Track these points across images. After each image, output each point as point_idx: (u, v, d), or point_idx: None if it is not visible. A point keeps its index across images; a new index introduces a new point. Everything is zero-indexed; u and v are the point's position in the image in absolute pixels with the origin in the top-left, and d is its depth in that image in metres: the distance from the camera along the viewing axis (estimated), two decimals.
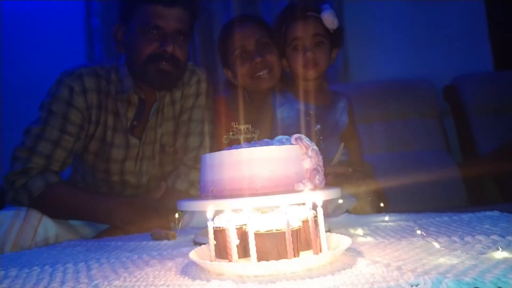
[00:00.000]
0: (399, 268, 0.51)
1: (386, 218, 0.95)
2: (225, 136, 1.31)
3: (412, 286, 0.45)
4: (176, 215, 0.95)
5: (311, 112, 1.38)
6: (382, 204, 1.08)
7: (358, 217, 1.05)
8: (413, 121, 2.26)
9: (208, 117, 1.37)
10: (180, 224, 0.97)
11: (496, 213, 0.90)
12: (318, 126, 1.36)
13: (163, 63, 1.22)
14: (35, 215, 1.10)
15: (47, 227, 1.09)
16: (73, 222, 1.21)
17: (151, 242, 0.91)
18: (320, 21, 1.37)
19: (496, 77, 2.45)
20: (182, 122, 1.37)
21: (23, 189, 1.20)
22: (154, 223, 1.10)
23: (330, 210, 1.11)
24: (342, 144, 1.28)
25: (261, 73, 1.39)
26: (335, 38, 1.41)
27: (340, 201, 1.11)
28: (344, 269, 0.54)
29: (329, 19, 1.36)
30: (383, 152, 2.17)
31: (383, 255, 0.60)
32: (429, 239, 0.66)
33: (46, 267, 0.72)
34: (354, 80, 2.39)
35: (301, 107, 1.37)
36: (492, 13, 2.54)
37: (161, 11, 1.21)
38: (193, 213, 1.12)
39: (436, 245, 0.61)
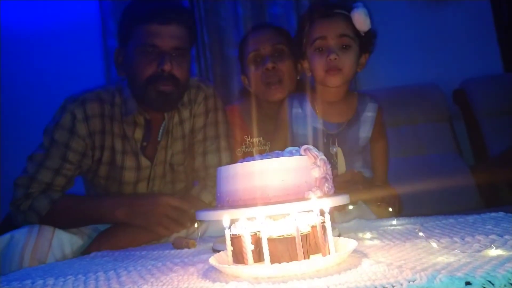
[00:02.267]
0: (399, 267, 0.56)
1: (394, 222, 0.99)
2: (238, 149, 1.38)
3: (409, 282, 0.50)
4: (196, 225, 1.01)
5: (330, 132, 1.27)
6: (390, 209, 1.12)
7: (367, 222, 1.10)
8: (423, 126, 2.29)
9: (222, 131, 1.38)
10: (199, 233, 1.04)
11: (501, 214, 0.94)
12: (335, 150, 1.25)
13: (162, 84, 1.22)
14: (47, 229, 1.14)
15: (61, 238, 1.13)
16: (84, 229, 1.25)
17: (173, 251, 0.98)
18: (349, 20, 1.22)
19: (505, 79, 2.46)
20: (197, 142, 1.38)
21: (31, 211, 1.23)
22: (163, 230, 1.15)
23: (339, 219, 1.15)
24: (340, 151, 1.26)
25: (271, 81, 1.36)
26: (365, 42, 1.25)
27: (350, 207, 1.16)
28: (349, 269, 0.59)
29: (360, 18, 1.21)
30: (393, 157, 2.20)
31: (387, 256, 0.65)
32: (429, 240, 0.71)
33: (79, 275, 0.78)
34: (363, 88, 2.44)
35: (319, 125, 1.26)
36: (499, 15, 2.56)
37: (156, 29, 1.21)
38: (209, 222, 1.18)
39: (434, 245, 0.66)
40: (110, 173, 1.33)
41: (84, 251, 1.18)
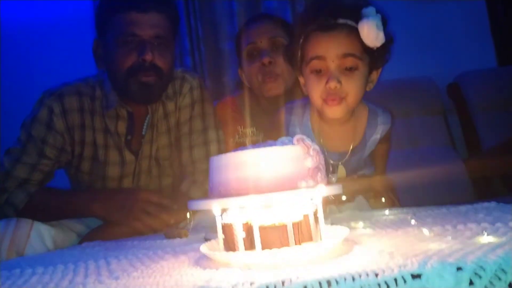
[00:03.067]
0: (390, 254, 0.56)
1: (387, 212, 0.99)
2: (231, 140, 1.36)
3: (400, 267, 0.50)
4: (188, 215, 1.01)
5: (331, 161, 1.14)
6: (383, 199, 1.12)
7: (360, 212, 1.10)
8: (417, 120, 2.30)
9: (210, 123, 1.33)
10: (191, 223, 1.03)
11: (493, 203, 0.94)
12: (334, 179, 1.11)
13: (144, 74, 1.17)
14: (25, 221, 1.11)
15: (40, 230, 1.10)
16: (66, 221, 1.22)
17: (164, 241, 0.97)
18: (356, 33, 0.98)
19: (499, 73, 2.47)
20: (183, 135, 1.33)
21: (7, 205, 1.21)
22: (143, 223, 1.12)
23: (334, 212, 1.13)
24: (343, 172, 1.15)
25: (267, 77, 1.29)
26: (378, 57, 1.02)
27: (344, 197, 1.16)
28: (341, 256, 0.59)
29: (370, 33, 0.95)
30: None
31: (378, 243, 0.65)
32: (421, 228, 0.71)
33: (69, 264, 0.78)
34: None
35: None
36: (494, 9, 2.56)
37: (135, 17, 1.15)
38: (201, 213, 1.17)
39: (426, 232, 0.66)
40: (93, 168, 1.30)
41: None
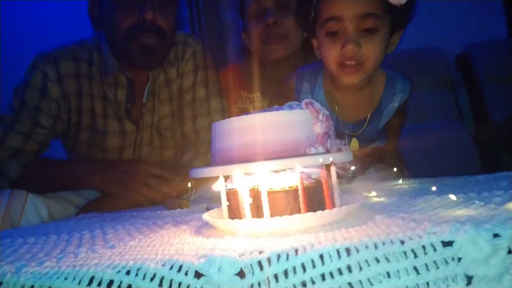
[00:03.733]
0: (415, 220, 0.50)
1: (400, 182, 0.94)
2: (235, 105, 1.29)
3: (429, 234, 0.44)
4: (189, 185, 0.95)
5: (344, 131, 1.07)
6: (395, 169, 1.06)
7: (370, 183, 1.04)
8: (425, 92, 2.22)
9: (213, 91, 1.26)
10: (193, 194, 0.97)
11: None
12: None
13: (145, 36, 1.07)
14: (20, 192, 1.05)
15: (35, 202, 1.04)
16: (63, 193, 1.16)
17: (165, 211, 0.92)
18: None
19: (509, 45, 2.39)
20: (186, 104, 1.26)
21: (0, 176, 1.15)
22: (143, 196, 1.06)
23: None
24: (356, 144, 1.09)
25: (272, 39, 1.20)
26: (401, 15, 0.94)
27: (353, 167, 1.10)
28: (358, 224, 0.53)
29: None
30: None
31: (398, 211, 0.59)
32: (442, 195, 0.66)
33: (63, 234, 0.73)
34: None
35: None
36: None
37: None
38: (204, 183, 1.11)
39: (453, 197, 0.61)
40: (92, 139, 1.22)
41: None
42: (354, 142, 1.12)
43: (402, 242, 0.44)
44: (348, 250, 0.44)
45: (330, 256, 0.44)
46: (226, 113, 1.26)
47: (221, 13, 2.28)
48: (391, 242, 0.44)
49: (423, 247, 0.44)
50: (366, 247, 0.44)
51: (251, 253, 0.45)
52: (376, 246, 0.44)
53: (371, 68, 0.95)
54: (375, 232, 0.47)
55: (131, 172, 1.09)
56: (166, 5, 1.11)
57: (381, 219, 0.54)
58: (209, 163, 1.30)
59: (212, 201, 0.89)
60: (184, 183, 1.01)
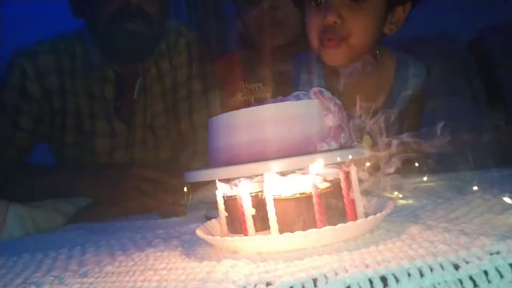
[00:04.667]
0: (464, 233, 0.39)
1: (425, 179, 0.82)
2: (234, 98, 1.17)
3: (491, 254, 0.33)
4: (185, 189, 0.85)
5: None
6: (416, 164, 0.94)
7: (388, 180, 0.93)
8: (437, 80, 2.10)
9: (210, 84, 1.15)
10: (190, 198, 0.87)
11: None
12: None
13: (130, 21, 0.97)
14: (0, 202, 0.94)
15: (18, 212, 0.93)
16: (51, 202, 1.04)
17: (159, 220, 0.82)
18: None
19: None
20: (181, 99, 1.14)
21: None
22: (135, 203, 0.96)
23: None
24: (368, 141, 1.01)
25: (267, 25, 1.09)
26: None
27: (367, 163, 0.99)
28: (390, 238, 0.42)
29: None
30: None
31: (436, 218, 0.48)
32: (484, 195, 0.55)
33: (38, 254, 0.62)
34: None
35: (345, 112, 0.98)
36: None
37: None
38: (202, 186, 1.01)
39: (508, 200, 0.49)
40: (79, 141, 1.11)
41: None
42: (367, 140, 1.01)
43: (457, 267, 0.33)
44: (384, 280, 0.33)
45: None
46: (225, 108, 1.15)
47: (219, 0, 2.17)
48: (442, 267, 0.33)
49: (485, 272, 0.32)
50: (409, 275, 0.33)
51: (255, 286, 0.34)
52: (422, 274, 0.33)
53: (356, 44, 0.83)
54: (416, 252, 0.36)
55: (122, 177, 0.99)
56: None
57: (419, 231, 0.42)
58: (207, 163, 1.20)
59: (213, 207, 0.79)
60: (181, 187, 0.91)
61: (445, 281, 0.33)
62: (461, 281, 0.32)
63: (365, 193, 0.76)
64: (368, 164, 0.96)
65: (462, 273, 0.33)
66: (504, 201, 0.50)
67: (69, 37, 1.09)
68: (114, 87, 1.09)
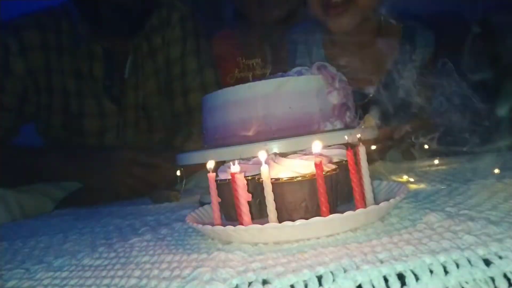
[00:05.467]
0: (491, 221, 0.34)
1: (436, 162, 0.77)
2: (230, 75, 1.11)
3: None
4: (178, 173, 0.79)
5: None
6: (426, 146, 0.88)
7: (396, 164, 0.87)
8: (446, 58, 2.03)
9: (206, 62, 1.08)
10: (184, 183, 0.81)
11: None
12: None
13: None
14: None
15: (4, 197, 0.88)
16: (39, 186, 1.00)
17: (150, 206, 0.77)
18: None
19: None
20: (174, 77, 1.08)
21: None
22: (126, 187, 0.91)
23: None
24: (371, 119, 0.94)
25: None
26: None
27: (373, 147, 0.93)
28: (405, 227, 0.37)
29: None
30: None
31: (455, 204, 0.43)
32: (503, 180, 0.49)
33: (17, 241, 0.58)
34: None
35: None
36: None
37: None
38: (196, 169, 0.95)
39: None
40: (67, 122, 1.04)
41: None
42: (369, 119, 0.95)
43: (488, 263, 0.28)
44: (401, 278, 0.28)
45: (374, 287, 0.27)
46: (222, 86, 1.08)
47: None
48: (470, 262, 0.28)
49: None
50: (431, 272, 0.28)
51: (249, 285, 0.29)
52: (446, 271, 0.28)
53: (363, 5, 0.78)
54: (438, 245, 0.31)
55: (114, 160, 0.93)
56: None
57: (438, 219, 0.37)
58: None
59: (207, 192, 0.74)
60: (174, 171, 0.85)
61: (474, 280, 0.27)
62: (493, 280, 0.27)
63: (372, 177, 0.71)
64: (373, 146, 0.91)
65: (495, 270, 0.27)
66: None
67: (55, 12, 1.03)
68: (103, 64, 1.03)
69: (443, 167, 0.72)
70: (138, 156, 0.95)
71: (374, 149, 0.88)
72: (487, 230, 0.32)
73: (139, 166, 0.93)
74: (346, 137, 0.48)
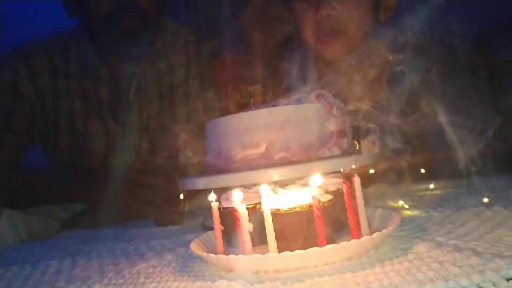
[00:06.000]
0: (476, 252, 0.36)
1: (431, 186, 0.79)
2: (232, 101, 1.14)
3: (508, 280, 0.30)
4: (181, 196, 0.82)
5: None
6: (422, 170, 0.91)
7: (393, 187, 0.90)
8: (442, 79, 2.06)
9: (209, 86, 1.12)
10: (187, 205, 0.84)
11: None
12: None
13: (125, 19, 0.95)
14: None
15: (12, 218, 0.90)
16: (46, 207, 1.01)
17: (154, 229, 0.79)
18: None
19: None
20: (178, 100, 1.11)
21: None
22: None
23: None
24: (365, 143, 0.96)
25: (266, 20, 1.07)
26: None
27: (371, 171, 0.95)
28: (397, 256, 0.39)
29: None
30: None
31: (445, 233, 0.45)
32: (492, 207, 0.51)
33: (27, 265, 0.60)
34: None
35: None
36: None
37: None
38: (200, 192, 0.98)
39: None
40: (73, 143, 1.08)
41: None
42: (366, 144, 0.97)
43: None
44: None
45: None
46: (224, 110, 1.11)
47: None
48: None
49: None
50: None
51: None
52: None
53: (354, 36, 0.82)
54: (425, 276, 0.33)
55: (119, 182, 0.96)
56: None
57: (427, 249, 0.40)
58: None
59: (210, 216, 0.76)
60: (178, 194, 0.88)
61: None
62: None
63: (369, 200, 0.74)
64: (371, 170, 0.93)
65: None
66: None
67: (63, 37, 1.07)
68: (109, 87, 1.07)
69: (438, 192, 0.74)
70: (142, 177, 0.97)
71: (372, 173, 0.91)
72: (471, 261, 0.35)
73: (143, 187, 0.96)
74: (341, 166, 0.50)
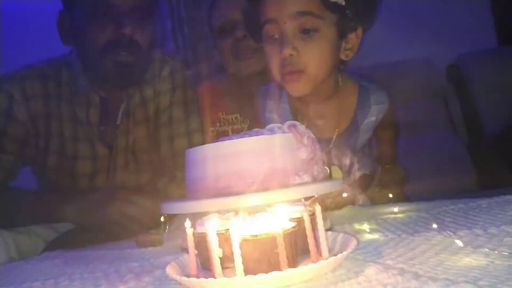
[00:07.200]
0: (416, 276, 0.42)
1: (395, 209, 0.85)
2: (211, 128, 1.20)
3: None
4: (162, 219, 0.86)
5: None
6: (390, 195, 0.97)
7: (362, 209, 0.95)
8: (417, 104, 2.15)
9: (192, 111, 1.17)
10: (167, 228, 0.88)
11: None
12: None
13: (121, 52, 1.01)
14: None
15: (3, 237, 0.95)
16: (32, 227, 1.06)
17: (135, 250, 0.82)
18: None
19: (502, 54, 2.34)
20: (162, 124, 1.16)
21: None
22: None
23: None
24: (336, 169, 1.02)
25: (243, 54, 1.13)
26: (351, 14, 0.85)
27: (344, 194, 1.01)
28: (349, 278, 0.44)
29: None
30: None
31: (396, 257, 0.50)
32: (443, 233, 0.57)
33: (11, 287, 0.63)
34: (350, 65, 2.27)
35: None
36: None
37: None
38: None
39: (459, 243, 0.52)
40: (61, 164, 1.12)
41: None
42: (336, 171, 1.02)
43: None
44: None
45: None
46: (206, 135, 1.17)
47: (205, 25, 2.22)
48: None
49: None
50: None
51: None
52: None
53: (315, 74, 0.86)
54: None
55: (106, 201, 0.99)
56: (145, 19, 1.04)
57: (376, 272, 0.45)
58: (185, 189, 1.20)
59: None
60: (160, 214, 0.91)
61: None
62: None
63: (335, 220, 0.78)
64: (344, 194, 0.99)
65: None
66: (459, 244, 0.52)
67: (57, 63, 1.13)
68: (99, 111, 1.12)
69: (400, 215, 0.79)
70: (129, 196, 1.01)
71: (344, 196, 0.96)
72: (409, 284, 0.40)
73: (131, 206, 1.00)
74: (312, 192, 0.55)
